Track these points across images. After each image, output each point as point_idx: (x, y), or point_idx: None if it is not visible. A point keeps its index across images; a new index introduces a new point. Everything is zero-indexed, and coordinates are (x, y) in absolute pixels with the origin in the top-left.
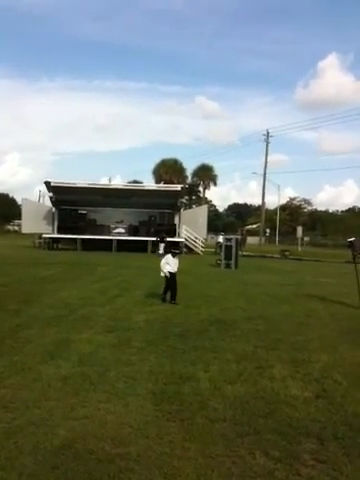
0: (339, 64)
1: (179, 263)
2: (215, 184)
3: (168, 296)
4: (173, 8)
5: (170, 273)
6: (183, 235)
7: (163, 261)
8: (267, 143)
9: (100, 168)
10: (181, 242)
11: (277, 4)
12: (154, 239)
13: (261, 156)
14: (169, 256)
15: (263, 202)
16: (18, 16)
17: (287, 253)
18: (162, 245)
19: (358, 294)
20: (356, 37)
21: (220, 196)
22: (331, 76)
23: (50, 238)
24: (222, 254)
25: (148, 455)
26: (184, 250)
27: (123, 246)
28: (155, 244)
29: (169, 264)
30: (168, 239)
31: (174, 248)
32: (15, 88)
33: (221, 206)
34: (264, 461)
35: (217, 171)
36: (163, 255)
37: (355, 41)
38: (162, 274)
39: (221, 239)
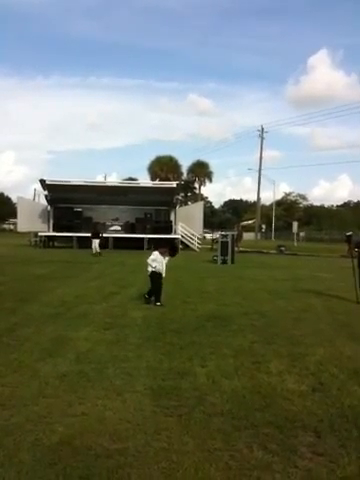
0: (330, 60)
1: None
2: (210, 180)
3: (153, 297)
4: (166, 5)
5: (154, 272)
6: (179, 232)
7: (159, 260)
8: (262, 138)
9: (96, 166)
10: (177, 239)
11: (269, 1)
12: (146, 236)
13: (255, 152)
14: (156, 253)
15: (258, 198)
16: (13, 15)
17: (283, 248)
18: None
19: (354, 288)
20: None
21: (215, 192)
22: (322, 72)
23: (46, 236)
24: (218, 250)
25: (146, 450)
26: (180, 246)
27: (119, 244)
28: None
29: (157, 262)
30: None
31: (160, 245)
32: (10, 86)
33: (217, 202)
34: (262, 454)
35: (212, 168)
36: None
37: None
38: (150, 269)
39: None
